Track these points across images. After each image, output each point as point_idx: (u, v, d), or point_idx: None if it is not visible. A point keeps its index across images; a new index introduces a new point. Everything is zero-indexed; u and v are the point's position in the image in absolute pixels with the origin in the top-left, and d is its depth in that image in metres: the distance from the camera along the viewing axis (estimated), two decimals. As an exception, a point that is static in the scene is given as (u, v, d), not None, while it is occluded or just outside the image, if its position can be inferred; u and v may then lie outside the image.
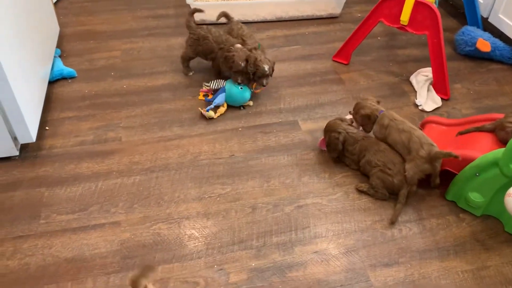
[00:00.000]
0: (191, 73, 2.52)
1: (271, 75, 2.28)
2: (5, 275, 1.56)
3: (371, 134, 1.98)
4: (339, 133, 1.95)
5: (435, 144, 1.80)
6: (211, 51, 2.37)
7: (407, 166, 1.80)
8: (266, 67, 2.21)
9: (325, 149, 2.05)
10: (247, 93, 2.27)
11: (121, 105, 2.32)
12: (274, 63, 2.29)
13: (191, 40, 2.41)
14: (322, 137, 2.05)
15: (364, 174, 1.95)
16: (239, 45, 2.30)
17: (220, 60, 2.33)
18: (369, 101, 2.00)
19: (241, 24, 2.50)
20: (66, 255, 1.63)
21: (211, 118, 2.23)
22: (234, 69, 2.22)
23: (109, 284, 1.54)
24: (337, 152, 1.97)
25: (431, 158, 1.77)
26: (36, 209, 1.78)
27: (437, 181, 1.85)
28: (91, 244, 1.66)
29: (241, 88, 2.25)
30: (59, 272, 1.57)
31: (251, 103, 2.32)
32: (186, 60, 2.51)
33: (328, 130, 1.99)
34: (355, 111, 2.01)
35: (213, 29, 2.40)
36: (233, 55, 2.22)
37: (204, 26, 2.43)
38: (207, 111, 2.22)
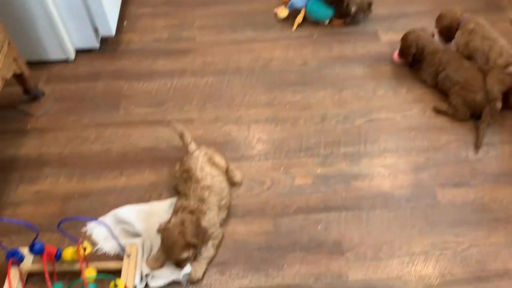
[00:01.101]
0: None
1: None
2: (90, 157, 1.69)
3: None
4: (418, 36, 1.88)
5: None
6: None
7: (487, 77, 1.70)
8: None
9: (399, 61, 1.97)
10: (329, 11, 2.13)
11: (196, 4, 2.28)
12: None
13: None
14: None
15: (442, 92, 1.85)
16: None
17: None
18: (452, 12, 1.90)
19: None
20: (143, 145, 1.73)
21: (284, 20, 2.15)
22: None
23: (182, 175, 1.64)
24: (411, 56, 1.88)
25: None
26: (116, 100, 1.88)
27: None
28: (166, 137, 1.75)
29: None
30: (137, 160, 1.69)
31: (327, 22, 2.17)
32: None
33: (408, 33, 1.92)
34: (437, 21, 1.94)
35: None
36: None
37: None
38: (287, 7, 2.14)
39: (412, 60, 1.90)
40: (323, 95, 1.89)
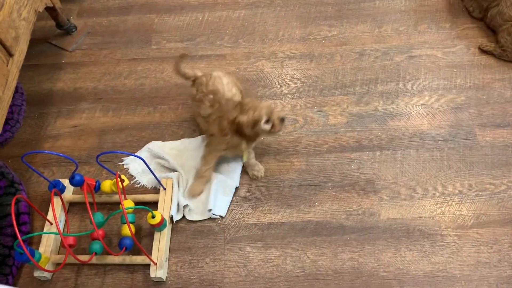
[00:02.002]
0: None
1: None
2: (124, 92, 1.70)
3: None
4: None
5: None
6: None
7: None
8: None
9: None
10: None
11: None
12: None
13: None
14: None
15: (490, 28, 1.73)
16: None
17: None
18: None
19: None
20: (176, 81, 1.71)
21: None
22: None
23: (214, 111, 1.64)
24: None
25: None
26: (147, 35, 1.85)
27: None
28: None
29: None
30: (170, 95, 1.68)
31: None
32: None
33: None
34: None
35: None
36: None
37: None
38: None
39: None
40: (361, 30, 1.80)
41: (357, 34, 1.79)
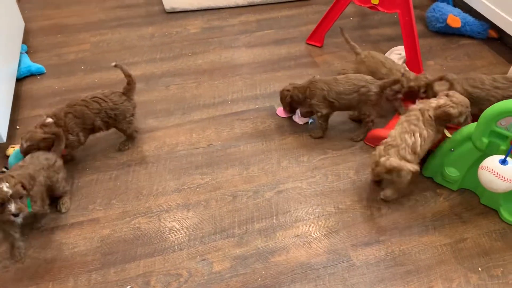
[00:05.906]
0: None
1: None
2: (-17, 280, 1.52)
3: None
4: (288, 90, 2.05)
5: None
6: None
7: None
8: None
9: (283, 116, 2.19)
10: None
11: (93, 99, 2.26)
12: None
13: None
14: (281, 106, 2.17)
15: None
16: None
17: None
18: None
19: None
20: (45, 255, 1.60)
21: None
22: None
23: (91, 281, 1.52)
24: (287, 105, 2.09)
25: None
26: (11, 211, 1.74)
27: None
28: (70, 243, 1.64)
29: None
30: (39, 273, 1.54)
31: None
32: None
33: (282, 90, 2.09)
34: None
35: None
36: None
37: None
38: None
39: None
40: (232, 173, 1.91)
41: (228, 178, 1.89)
